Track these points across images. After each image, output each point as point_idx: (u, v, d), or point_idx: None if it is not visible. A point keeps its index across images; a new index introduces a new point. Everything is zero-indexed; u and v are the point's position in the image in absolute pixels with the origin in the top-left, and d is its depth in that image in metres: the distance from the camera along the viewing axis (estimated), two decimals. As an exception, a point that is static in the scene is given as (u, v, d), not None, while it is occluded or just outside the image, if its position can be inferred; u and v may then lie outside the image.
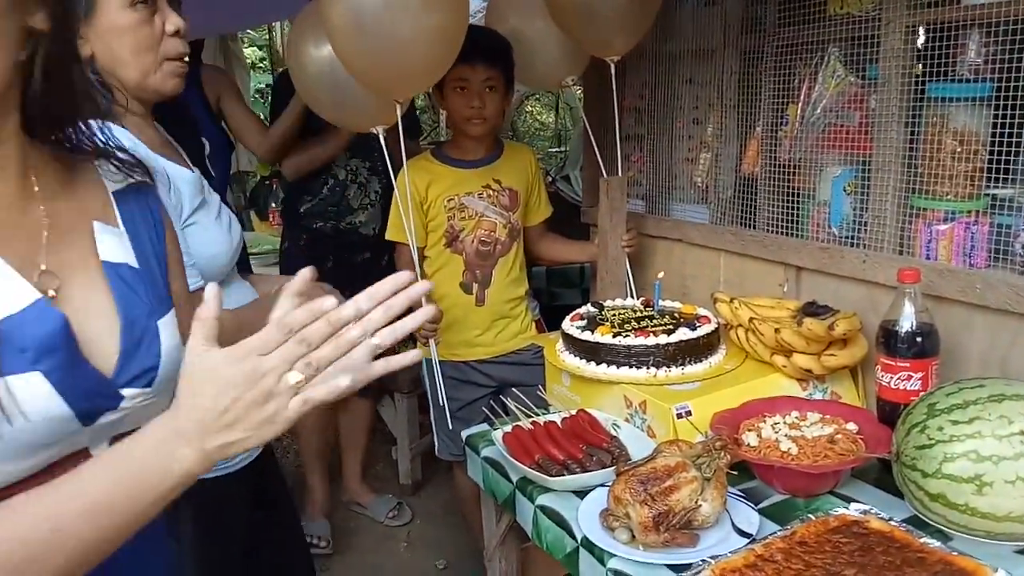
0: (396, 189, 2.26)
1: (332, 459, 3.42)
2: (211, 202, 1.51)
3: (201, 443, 0.73)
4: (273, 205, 5.47)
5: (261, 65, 8.36)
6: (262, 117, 3.21)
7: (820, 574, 1.20)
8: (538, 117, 9.76)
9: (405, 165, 2.26)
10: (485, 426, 1.91)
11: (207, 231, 1.43)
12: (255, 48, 8.44)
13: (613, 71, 2.21)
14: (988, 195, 1.59)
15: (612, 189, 2.32)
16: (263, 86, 7.90)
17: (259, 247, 5.18)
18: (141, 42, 1.34)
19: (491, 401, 2.21)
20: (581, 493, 1.53)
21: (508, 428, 1.76)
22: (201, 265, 1.34)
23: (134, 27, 1.33)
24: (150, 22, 1.35)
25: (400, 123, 2.03)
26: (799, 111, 1.91)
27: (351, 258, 3.06)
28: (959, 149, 1.60)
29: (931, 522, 1.32)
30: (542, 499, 1.56)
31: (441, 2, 1.83)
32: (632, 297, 2.29)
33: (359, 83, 1.99)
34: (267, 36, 7.70)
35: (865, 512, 1.33)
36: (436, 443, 2.52)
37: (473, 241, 2.38)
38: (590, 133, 2.47)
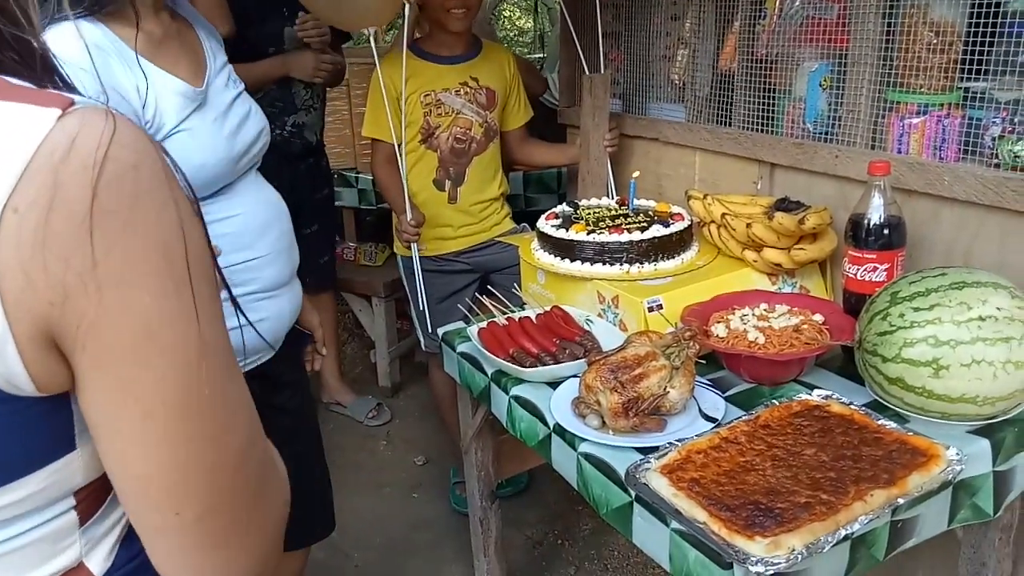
0: (381, 83, 2.22)
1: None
2: (214, 103, 1.42)
3: None
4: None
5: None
6: None
7: (781, 454, 1.24)
8: (516, 22, 9.50)
9: (378, 63, 2.22)
10: (461, 323, 1.93)
11: (195, 138, 1.35)
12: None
13: (595, -37, 2.15)
14: (962, 88, 1.59)
15: (596, 87, 2.29)
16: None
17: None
18: None
19: (468, 298, 2.23)
20: (554, 384, 1.56)
21: (483, 324, 1.78)
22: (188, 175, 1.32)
23: None
24: None
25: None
26: (777, 4, 1.87)
27: (296, 165, 2.89)
28: (935, 41, 1.59)
29: (889, 405, 1.37)
30: (516, 390, 1.60)
31: None
32: (611, 196, 2.29)
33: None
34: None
35: (827, 397, 1.38)
36: (420, 339, 2.54)
37: (448, 138, 2.34)
38: (571, 28, 2.41)
